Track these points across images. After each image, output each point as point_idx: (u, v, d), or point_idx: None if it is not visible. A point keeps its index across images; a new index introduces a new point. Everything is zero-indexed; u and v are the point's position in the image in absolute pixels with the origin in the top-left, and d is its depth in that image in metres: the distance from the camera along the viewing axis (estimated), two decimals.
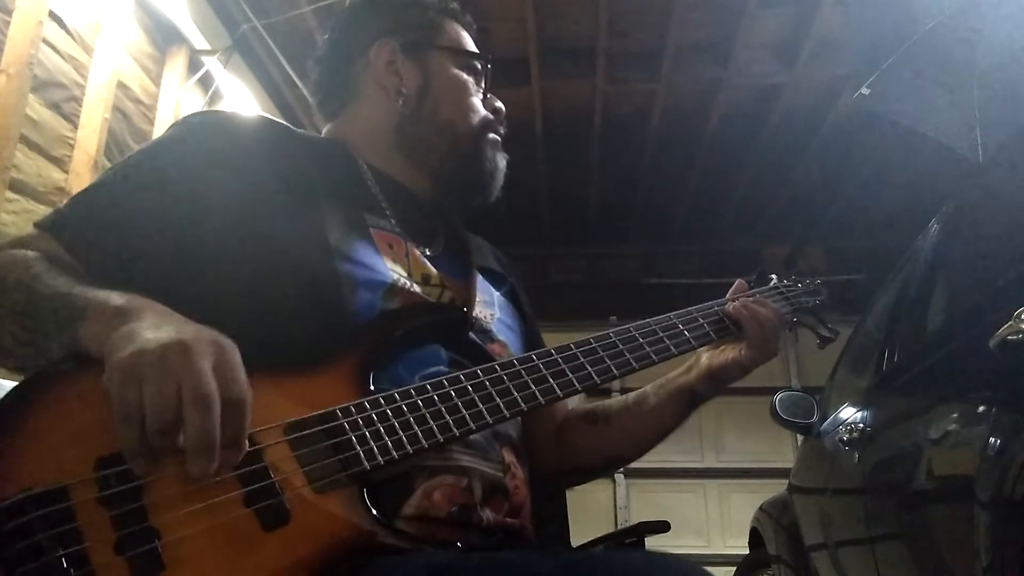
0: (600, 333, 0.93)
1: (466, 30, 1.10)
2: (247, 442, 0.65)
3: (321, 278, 0.82)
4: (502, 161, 1.05)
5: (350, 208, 0.91)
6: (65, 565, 0.58)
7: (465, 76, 1.04)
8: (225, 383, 0.64)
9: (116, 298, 0.71)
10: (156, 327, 0.66)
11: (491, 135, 1.04)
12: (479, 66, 1.06)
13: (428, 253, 0.97)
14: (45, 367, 0.71)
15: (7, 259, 0.78)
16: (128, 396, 0.61)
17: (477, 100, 1.04)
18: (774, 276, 1.21)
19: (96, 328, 0.68)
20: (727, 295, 1.09)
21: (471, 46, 1.08)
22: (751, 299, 1.06)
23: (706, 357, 1.05)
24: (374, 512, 0.70)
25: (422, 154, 1.01)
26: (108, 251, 0.81)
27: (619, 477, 5.93)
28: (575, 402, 1.06)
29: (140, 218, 0.83)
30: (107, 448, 0.63)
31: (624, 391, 1.09)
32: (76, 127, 2.76)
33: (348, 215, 0.89)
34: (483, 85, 1.06)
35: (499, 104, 1.07)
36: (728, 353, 1.03)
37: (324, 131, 1.08)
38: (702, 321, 1.02)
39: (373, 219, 0.92)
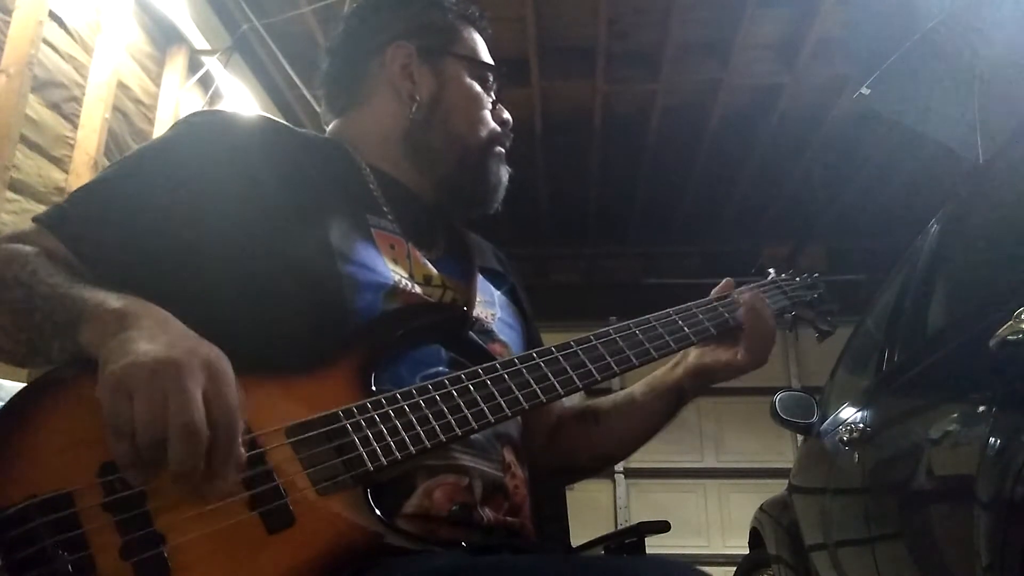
0: (601, 330, 0.93)
1: (481, 35, 1.09)
2: (241, 459, 0.65)
3: (322, 279, 0.82)
4: (505, 175, 1.05)
5: (351, 209, 0.91)
6: (71, 571, 0.58)
7: (478, 87, 1.04)
8: (213, 410, 0.63)
9: (113, 301, 0.70)
10: (151, 338, 0.65)
11: (498, 148, 1.04)
12: (491, 76, 1.06)
13: (429, 254, 0.96)
14: (48, 371, 0.70)
15: (5, 254, 0.77)
16: (119, 409, 0.61)
17: (487, 113, 1.04)
18: (772, 271, 1.22)
19: (93, 332, 0.68)
20: (712, 293, 1.07)
21: (486, 55, 1.07)
22: (759, 295, 1.05)
23: (695, 354, 1.05)
24: (378, 513, 0.70)
25: (429, 162, 1.01)
26: (108, 248, 0.80)
27: (619, 477, 5.94)
28: (575, 400, 1.06)
29: (141, 216, 0.82)
30: (111, 454, 0.63)
31: (624, 388, 1.09)
32: (76, 127, 2.76)
33: (349, 216, 0.89)
34: (493, 95, 1.05)
35: (507, 116, 1.07)
36: (721, 354, 1.03)
37: (328, 128, 1.07)
38: (702, 317, 1.02)
39: (375, 220, 0.92)
